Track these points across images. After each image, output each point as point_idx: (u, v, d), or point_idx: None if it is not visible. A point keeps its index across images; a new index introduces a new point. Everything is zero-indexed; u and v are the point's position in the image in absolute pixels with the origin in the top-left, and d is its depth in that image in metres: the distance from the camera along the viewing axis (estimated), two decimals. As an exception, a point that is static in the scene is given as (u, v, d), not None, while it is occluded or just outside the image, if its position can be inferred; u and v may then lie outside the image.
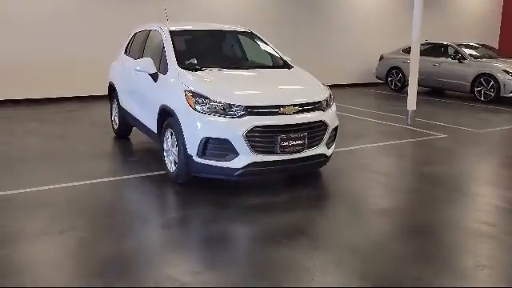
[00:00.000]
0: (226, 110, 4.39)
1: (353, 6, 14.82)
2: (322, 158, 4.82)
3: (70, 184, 4.90)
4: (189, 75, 4.84)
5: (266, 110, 4.44)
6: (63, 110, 9.58)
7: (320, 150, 4.76)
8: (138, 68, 5.30)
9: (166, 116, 4.96)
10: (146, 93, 5.58)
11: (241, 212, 4.24)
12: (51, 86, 10.68)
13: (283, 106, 4.48)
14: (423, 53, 13.57)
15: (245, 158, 4.37)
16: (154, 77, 5.26)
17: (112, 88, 7.08)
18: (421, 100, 12.01)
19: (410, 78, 8.49)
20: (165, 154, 5.08)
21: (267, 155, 4.43)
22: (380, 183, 5.20)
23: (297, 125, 4.50)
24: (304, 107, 4.61)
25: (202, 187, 4.78)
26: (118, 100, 6.80)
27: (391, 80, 13.74)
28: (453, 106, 11.09)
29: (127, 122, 6.75)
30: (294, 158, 4.55)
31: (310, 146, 4.64)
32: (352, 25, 14.71)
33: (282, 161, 4.50)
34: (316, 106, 4.72)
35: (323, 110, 4.77)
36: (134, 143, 6.91)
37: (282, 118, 4.45)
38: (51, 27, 10.45)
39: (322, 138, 4.75)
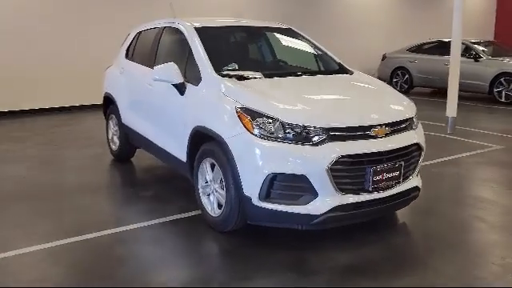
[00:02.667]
0: (300, 135, 3.17)
1: (350, 5, 13.90)
2: (416, 192, 3.66)
3: (56, 243, 3.48)
4: (237, 86, 3.59)
5: (354, 134, 3.24)
6: (47, 125, 8.13)
7: (414, 181, 3.61)
8: (156, 77, 4.00)
9: (203, 141, 3.71)
10: (166, 109, 4.29)
11: (333, 279, 3.01)
12: (31, 96, 9.22)
13: (374, 127, 3.30)
14: (430, 51, 12.76)
15: (327, 200, 3.16)
16: (180, 88, 3.98)
17: (109, 101, 5.73)
18: (429, 102, 11.16)
19: (449, 80, 7.53)
20: (200, 191, 3.82)
21: (356, 195, 3.24)
22: (486, 223, 4.02)
23: (392, 151, 3.33)
24: (395, 127, 3.45)
25: (260, 238, 3.55)
26: (118, 116, 5.46)
27: (396, 81, 12.79)
28: (475, 108, 10.16)
29: (132, 143, 5.43)
30: (388, 196, 3.37)
31: (404, 178, 3.48)
32: (350, 24, 13.81)
33: (374, 201, 3.31)
34: (408, 125, 3.56)
35: (414, 129, 3.63)
36: (141, 168, 5.58)
37: (373, 144, 3.26)
38: (30, 31, 9.01)
39: (416, 166, 3.61)
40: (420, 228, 3.88)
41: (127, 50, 5.57)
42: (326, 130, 3.17)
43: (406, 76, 12.52)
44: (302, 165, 3.13)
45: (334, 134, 3.18)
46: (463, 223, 3.99)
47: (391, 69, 12.95)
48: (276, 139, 3.18)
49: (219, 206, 3.62)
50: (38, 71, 9.20)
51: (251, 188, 3.23)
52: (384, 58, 13.37)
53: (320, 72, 4.33)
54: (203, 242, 3.62)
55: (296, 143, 3.16)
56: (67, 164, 5.69)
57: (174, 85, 4.00)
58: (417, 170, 3.63)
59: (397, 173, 3.37)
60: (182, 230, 3.77)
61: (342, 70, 4.41)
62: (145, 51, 5.09)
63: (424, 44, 12.75)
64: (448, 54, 12.33)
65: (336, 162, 3.11)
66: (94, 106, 9.81)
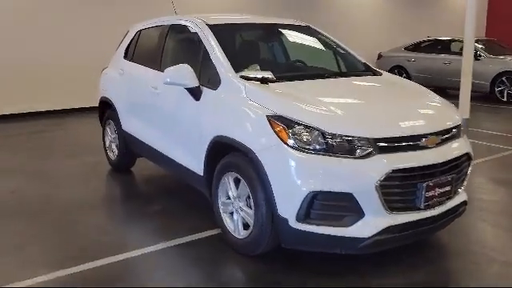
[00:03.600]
0: (343, 147, 2.76)
1: (344, 4, 13.58)
2: (463, 207, 3.29)
3: (50, 276, 2.98)
4: (265, 90, 3.16)
5: (404, 144, 2.85)
6: (31, 131, 7.56)
7: (463, 195, 3.24)
8: (167, 80, 3.55)
9: (225, 153, 3.28)
10: (177, 115, 3.84)
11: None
12: (12, 100, 8.64)
13: (425, 136, 2.91)
14: (429, 50, 12.51)
15: (375, 220, 2.76)
16: (195, 93, 3.53)
17: (107, 105, 5.24)
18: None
19: (462, 81, 7.23)
20: (221, 208, 3.38)
21: (406, 213, 2.85)
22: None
23: (445, 163, 2.94)
24: (446, 135, 3.07)
25: (290, 262, 3.14)
26: (117, 122, 4.98)
27: (394, 80, 12.50)
28: (481, 109, 9.87)
29: (132, 152, 4.96)
30: (439, 214, 2.98)
31: (455, 192, 3.10)
32: (343, 22, 13.46)
33: (426, 219, 2.92)
34: (456, 133, 3.18)
35: (461, 137, 3.25)
36: (144, 179, 5.11)
37: (426, 155, 2.87)
38: (10, 30, 8.43)
39: (465, 179, 3.23)
40: (463, 247, 3.52)
41: (126, 50, 5.08)
42: (374, 141, 2.77)
43: (404, 75, 12.23)
44: (348, 181, 2.72)
45: (383, 146, 2.78)
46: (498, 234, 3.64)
47: (388, 68, 12.63)
48: (316, 152, 2.76)
49: (245, 226, 3.20)
50: (18, 73, 8.63)
51: (288, 208, 2.81)
52: (380, 56, 13.09)
53: (347, 73, 3.91)
54: (224, 269, 3.19)
55: (340, 156, 2.74)
56: (60, 175, 5.18)
57: (187, 89, 3.56)
58: (465, 183, 3.26)
59: (449, 187, 2.98)
60: (198, 256, 3.31)
61: (369, 70, 4.02)
62: (148, 51, 4.63)
63: (422, 42, 12.50)
64: (447, 52, 12.24)
65: (387, 178, 2.71)
66: (82, 110, 9.31)
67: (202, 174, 3.56)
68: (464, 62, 7.25)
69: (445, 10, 15.91)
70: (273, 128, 2.87)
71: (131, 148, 4.91)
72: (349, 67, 4.15)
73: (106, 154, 5.46)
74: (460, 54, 11.76)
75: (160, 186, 4.85)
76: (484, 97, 10.87)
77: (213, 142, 3.33)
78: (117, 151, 5.20)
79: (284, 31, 4.39)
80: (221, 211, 3.38)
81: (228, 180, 3.27)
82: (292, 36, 4.41)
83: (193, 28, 3.93)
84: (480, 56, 10.84)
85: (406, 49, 12.59)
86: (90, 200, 4.40)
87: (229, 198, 3.32)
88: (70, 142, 6.72)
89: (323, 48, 4.34)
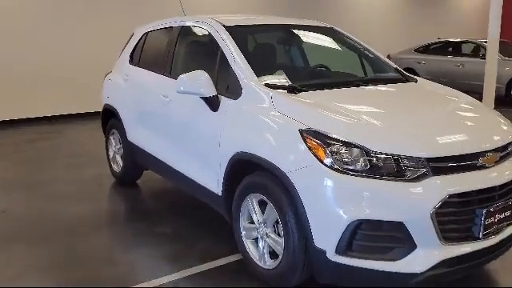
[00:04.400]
0: (391, 167, 2.37)
1: (352, 4, 13.24)
2: (517, 233, 2.90)
3: None
4: (295, 101, 2.77)
5: (461, 164, 2.46)
6: (25, 139, 7.15)
7: (520, 220, 2.86)
8: (181, 89, 3.17)
9: (248, 171, 2.89)
10: (191, 127, 3.44)
11: None
12: (6, 104, 8.25)
13: (483, 154, 2.52)
14: (440, 52, 12.12)
15: (429, 253, 2.37)
16: (212, 103, 3.15)
17: (111, 114, 4.85)
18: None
19: (485, 83, 6.87)
20: (243, 234, 2.99)
21: (464, 244, 2.46)
22: None
23: (506, 184, 2.56)
24: (503, 152, 2.68)
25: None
26: (122, 132, 4.60)
27: (403, 83, 12.13)
28: (504, 114, 9.48)
29: (139, 164, 4.57)
30: (497, 243, 2.59)
31: (512, 217, 2.72)
32: (351, 23, 13.12)
33: (484, 250, 2.53)
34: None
35: (515, 152, 2.86)
36: (151, 194, 4.72)
37: (484, 176, 2.49)
38: (7, 31, 8.06)
39: (523, 200, 2.85)
40: None
41: (132, 54, 4.69)
42: (427, 161, 2.38)
43: (414, 78, 11.87)
44: (398, 208, 2.33)
45: (437, 166, 2.39)
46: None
47: (398, 70, 12.29)
48: (359, 173, 2.37)
49: (272, 254, 2.81)
50: (10, 76, 8.23)
51: (326, 238, 2.42)
52: (389, 59, 12.72)
53: (378, 80, 3.52)
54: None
55: (387, 179, 2.36)
56: (57, 190, 4.75)
57: (203, 98, 3.17)
58: (522, 205, 2.87)
59: (509, 212, 2.60)
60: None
61: (403, 77, 3.63)
62: (156, 56, 4.24)
63: (432, 44, 12.13)
64: (458, 54, 11.86)
65: (445, 204, 2.32)
66: (79, 116, 8.92)
67: (219, 194, 3.17)
68: (487, 65, 6.90)
69: (450, 11, 15.58)
70: (307, 145, 2.48)
71: (138, 160, 4.53)
72: (379, 73, 3.76)
73: (110, 165, 5.07)
74: (472, 55, 11.48)
75: (169, 201, 4.45)
76: (499, 100, 10.48)
77: (234, 159, 2.95)
78: (122, 163, 4.81)
79: (306, 33, 4.00)
80: (243, 237, 2.99)
81: (252, 202, 2.88)
82: (315, 38, 4.02)
83: (208, 30, 3.54)
84: (495, 58, 10.45)
85: (415, 50, 12.24)
86: (92, 219, 4.00)
87: (252, 223, 2.93)
88: (69, 152, 6.31)
89: (349, 52, 3.96)
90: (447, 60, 11.37)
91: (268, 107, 2.80)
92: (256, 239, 2.92)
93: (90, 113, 9.05)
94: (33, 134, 7.48)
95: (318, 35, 4.04)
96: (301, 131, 2.52)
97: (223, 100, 3.13)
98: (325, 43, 4.01)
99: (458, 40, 11.79)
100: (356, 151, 2.40)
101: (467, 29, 15.41)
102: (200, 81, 3.11)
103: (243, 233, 2.99)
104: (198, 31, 3.70)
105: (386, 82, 3.49)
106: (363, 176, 2.36)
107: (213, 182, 3.21)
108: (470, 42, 11.52)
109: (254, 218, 2.89)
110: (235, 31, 3.42)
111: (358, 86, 3.23)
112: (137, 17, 9.14)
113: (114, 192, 4.77)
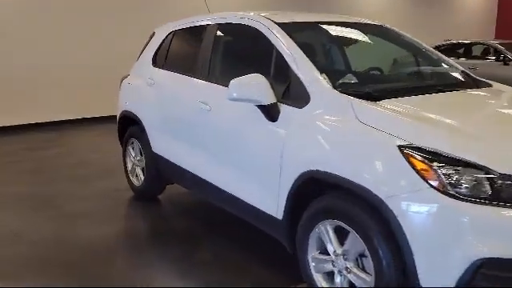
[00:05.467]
0: (518, 192, 1.96)
1: (356, 5, 12.92)
2: None
3: None
4: (385, 110, 2.33)
5: None
6: (29, 147, 6.63)
7: None
8: (233, 95, 2.71)
9: (319, 192, 2.46)
10: (241, 140, 2.98)
11: None
12: (8, 109, 7.72)
13: None
14: (449, 54, 11.70)
15: None
16: (271, 112, 2.70)
17: (130, 121, 4.38)
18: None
19: None
20: (312, 265, 2.55)
21: None
22: None
23: None
24: None
25: None
26: (145, 142, 4.12)
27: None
28: None
29: (164, 178, 4.11)
30: None
31: None
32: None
33: None
34: None
35: None
36: (177, 210, 4.24)
37: None
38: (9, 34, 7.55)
39: None
40: None
41: (155, 56, 4.22)
42: (561, 184, 1.97)
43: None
44: (533, 243, 1.91)
45: None
46: None
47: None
48: (479, 200, 1.95)
49: (354, 294, 2.37)
50: (12, 79, 7.71)
51: (438, 279, 1.99)
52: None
53: (452, 85, 3.08)
54: None
55: (513, 206, 1.94)
56: (71, 208, 4.24)
57: (260, 107, 2.72)
58: None
59: None
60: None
61: (475, 81, 3.22)
62: (188, 57, 3.79)
63: (440, 46, 11.81)
64: (469, 56, 11.56)
65: None
66: (80, 121, 8.41)
67: (279, 218, 2.72)
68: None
69: (454, 12, 15.35)
70: (411, 164, 2.05)
71: (164, 174, 4.06)
72: (446, 77, 3.35)
73: (128, 178, 4.58)
74: (482, 58, 11.20)
75: (202, 219, 3.97)
76: None
77: (301, 179, 2.50)
78: (143, 176, 4.33)
79: (358, 32, 3.56)
80: (311, 269, 2.55)
81: (326, 230, 2.44)
82: (368, 37, 3.59)
83: (255, 27, 3.09)
84: (510, 61, 10.18)
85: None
86: (118, 244, 3.55)
87: (324, 253, 2.49)
88: (75, 162, 5.80)
89: (408, 53, 3.55)
90: (459, 62, 11.02)
91: (348, 118, 2.36)
92: (330, 273, 2.48)
93: (94, 118, 8.56)
94: (34, 142, 6.95)
95: (371, 34, 3.61)
96: (400, 147, 2.09)
97: (284, 108, 2.69)
98: (380, 43, 3.59)
99: (469, 41, 11.50)
100: (475, 173, 1.97)
101: (471, 30, 15.20)
102: (257, 86, 2.66)
103: (312, 265, 2.55)
104: (242, 29, 3.25)
105: (458, 86, 3.07)
106: (485, 203, 1.94)
107: (270, 203, 2.76)
108: (480, 44, 11.25)
109: (329, 249, 2.45)
110: (290, 29, 2.98)
111: (437, 92, 2.80)
112: (147, 18, 8.69)
113: (135, 209, 4.29)
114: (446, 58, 3.50)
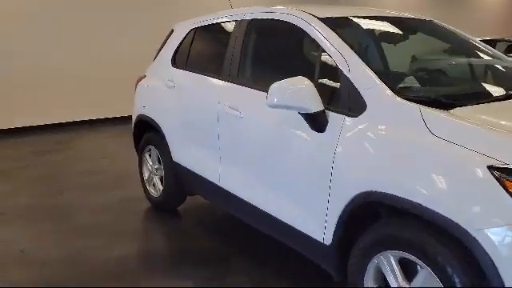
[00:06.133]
0: None
1: (370, 4, 12.51)
2: None
3: None
4: (464, 123, 1.94)
5: None
6: (34, 151, 6.31)
7: None
8: (274, 101, 2.33)
9: (376, 217, 2.09)
10: (280, 152, 2.61)
11: None
12: (14, 111, 7.43)
13: None
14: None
15: None
16: (319, 121, 2.33)
17: (147, 127, 4.04)
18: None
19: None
20: (368, 301, 2.18)
21: None
22: None
23: None
24: None
25: None
26: (164, 150, 3.77)
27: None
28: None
29: (186, 189, 3.76)
30: None
31: None
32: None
33: None
34: None
35: None
36: (202, 225, 3.87)
37: None
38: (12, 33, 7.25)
39: None
40: None
41: (175, 55, 3.86)
42: None
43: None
44: None
45: None
46: None
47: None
48: None
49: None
50: (13, 80, 7.40)
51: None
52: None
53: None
54: None
55: None
56: (83, 220, 3.91)
57: (304, 115, 2.35)
58: None
59: None
60: None
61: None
62: (214, 57, 3.42)
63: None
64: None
65: None
66: (88, 123, 8.09)
67: (326, 243, 2.35)
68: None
69: (473, 10, 14.90)
70: (507, 190, 1.67)
71: (185, 185, 3.70)
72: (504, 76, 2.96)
73: (144, 188, 4.24)
74: (506, 55, 10.75)
75: (229, 236, 3.59)
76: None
77: (357, 201, 2.13)
78: (161, 186, 3.98)
79: (406, 28, 3.17)
80: (368, 306, 2.18)
81: (387, 261, 2.06)
82: (421, 34, 3.19)
83: (295, 23, 2.71)
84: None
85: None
86: (142, 264, 3.17)
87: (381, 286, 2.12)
88: (85, 168, 5.46)
89: (463, 52, 3.17)
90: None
91: (418, 130, 1.98)
92: (391, 311, 2.11)
93: (103, 119, 8.25)
94: (41, 145, 6.63)
95: (421, 30, 3.21)
96: (492, 169, 1.71)
97: (332, 117, 2.31)
98: (431, 40, 3.20)
99: (492, 38, 11.05)
100: None
101: (490, 27, 14.75)
102: (302, 91, 2.28)
103: (368, 301, 2.17)
104: (278, 25, 2.87)
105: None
106: None
107: (315, 226, 2.40)
108: (504, 41, 10.82)
109: (392, 283, 2.07)
110: (335, 25, 2.60)
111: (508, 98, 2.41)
112: (153, 17, 8.36)
113: (154, 223, 3.93)
114: (504, 56, 3.10)
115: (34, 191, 4.67)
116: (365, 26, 2.95)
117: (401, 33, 3.06)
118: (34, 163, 5.69)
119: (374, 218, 2.18)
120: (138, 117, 4.14)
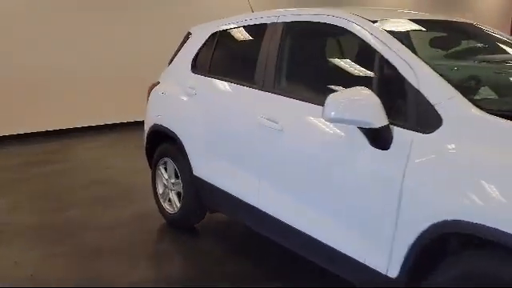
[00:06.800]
0: None
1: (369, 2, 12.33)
2: None
3: None
4: None
5: None
6: (31, 160, 5.93)
7: None
8: (331, 114, 2.04)
9: (457, 250, 1.82)
10: (331, 171, 2.32)
11: None
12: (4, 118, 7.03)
13: None
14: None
15: None
16: (383, 137, 2.05)
17: (163, 137, 3.73)
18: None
19: None
20: None
21: None
22: None
23: None
24: None
25: None
26: (183, 163, 3.47)
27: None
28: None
29: (207, 205, 3.47)
30: None
31: None
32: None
33: None
34: None
35: None
36: (220, 243, 3.55)
37: None
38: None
39: None
40: None
41: (195, 60, 3.57)
42: None
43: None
44: None
45: None
46: None
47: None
48: None
49: None
50: (4, 85, 7.02)
51: None
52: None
53: None
54: None
55: None
56: (93, 242, 3.56)
57: (364, 129, 2.08)
58: None
59: None
60: None
61: None
62: (243, 63, 3.14)
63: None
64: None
65: None
66: (89, 129, 7.73)
67: (391, 276, 2.07)
68: None
69: (465, 9, 14.83)
70: None
71: (207, 201, 3.40)
72: None
73: (158, 203, 3.92)
74: None
75: (260, 259, 3.28)
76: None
77: (433, 232, 1.85)
78: (178, 203, 3.67)
79: (457, 33, 2.91)
80: None
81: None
82: (475, 40, 2.94)
83: (346, 28, 2.44)
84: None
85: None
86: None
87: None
88: (88, 180, 5.10)
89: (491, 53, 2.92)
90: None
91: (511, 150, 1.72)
92: None
93: (101, 126, 7.89)
94: (34, 155, 6.24)
95: (465, 34, 2.96)
96: None
97: (399, 133, 2.04)
98: (476, 44, 2.95)
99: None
100: None
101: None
102: (365, 104, 2.00)
103: None
104: (323, 29, 2.60)
105: None
106: None
107: (377, 256, 2.11)
108: None
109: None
110: (396, 32, 2.34)
111: None
112: (158, 18, 8.05)
113: (171, 243, 3.61)
114: None
115: (34, 207, 4.32)
116: (419, 32, 2.68)
117: (453, 38, 2.80)
118: (27, 176, 5.31)
119: (443, 250, 1.91)
120: (152, 127, 3.83)
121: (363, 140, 2.12)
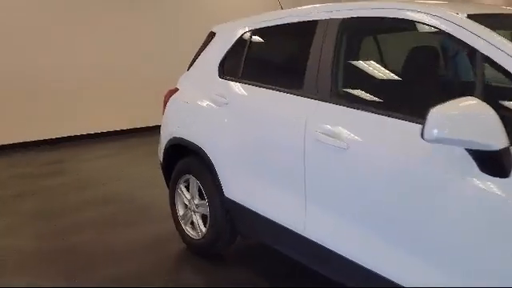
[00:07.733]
0: None
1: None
2: None
3: None
4: None
5: None
6: (26, 172, 5.42)
7: None
8: (434, 133, 1.60)
9: None
10: (425, 204, 1.87)
11: None
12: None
13: None
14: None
15: None
16: (500, 162, 1.62)
17: (184, 152, 3.25)
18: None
19: None
20: None
21: None
22: None
23: None
24: None
25: None
26: (212, 182, 3.00)
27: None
28: None
29: (240, 231, 3.01)
30: None
31: None
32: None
33: None
34: None
35: None
36: (253, 273, 3.08)
37: None
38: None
39: None
40: None
41: (222, 64, 3.10)
42: None
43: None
44: None
45: None
46: None
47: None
48: None
49: None
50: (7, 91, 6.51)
51: None
52: None
53: None
54: None
55: None
56: (102, 269, 3.09)
57: (474, 152, 1.65)
58: None
59: None
60: None
61: None
62: (289, 67, 2.69)
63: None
64: None
65: None
66: (89, 137, 7.22)
67: None
68: None
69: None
70: None
71: (240, 227, 2.95)
72: None
73: (179, 227, 3.45)
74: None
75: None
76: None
77: None
78: (204, 227, 3.20)
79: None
80: None
81: None
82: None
83: (434, 25, 2.00)
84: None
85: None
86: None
87: None
88: (93, 196, 4.61)
89: None
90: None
91: None
92: None
93: (101, 133, 7.39)
94: (30, 166, 5.73)
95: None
96: None
97: (521, 157, 1.61)
98: None
99: None
100: None
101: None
102: (481, 120, 1.57)
103: None
104: (396, 26, 2.16)
105: None
106: None
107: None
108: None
109: None
110: (490, 26, 1.91)
111: None
112: (161, 18, 7.60)
113: (196, 273, 3.12)
114: None
115: (33, 229, 3.81)
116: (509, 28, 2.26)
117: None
118: (24, 190, 4.79)
119: None
120: (171, 140, 3.35)
121: (468, 165, 1.68)
